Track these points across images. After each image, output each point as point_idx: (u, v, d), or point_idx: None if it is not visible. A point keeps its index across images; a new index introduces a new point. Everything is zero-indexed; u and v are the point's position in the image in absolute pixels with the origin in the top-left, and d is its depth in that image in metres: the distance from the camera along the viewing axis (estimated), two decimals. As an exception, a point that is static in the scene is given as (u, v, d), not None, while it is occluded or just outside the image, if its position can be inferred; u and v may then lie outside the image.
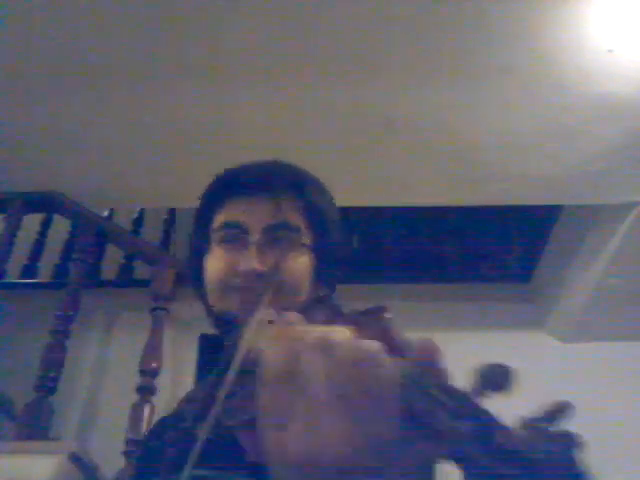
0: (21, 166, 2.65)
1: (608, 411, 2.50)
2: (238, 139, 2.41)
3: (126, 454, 2.22)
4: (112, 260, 3.34)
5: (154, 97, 2.36)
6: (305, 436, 0.35)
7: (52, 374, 2.34)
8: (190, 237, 0.93)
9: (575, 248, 2.91)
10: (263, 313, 0.56)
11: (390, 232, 3.62)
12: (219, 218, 0.87)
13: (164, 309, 2.64)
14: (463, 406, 0.32)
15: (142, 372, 2.44)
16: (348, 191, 2.55)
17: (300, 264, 0.84)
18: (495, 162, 2.53)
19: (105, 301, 3.19)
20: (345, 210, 2.57)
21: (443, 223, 3.56)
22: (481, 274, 3.37)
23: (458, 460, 0.31)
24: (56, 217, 3.24)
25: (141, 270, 3.25)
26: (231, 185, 0.88)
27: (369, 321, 0.43)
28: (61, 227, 3.37)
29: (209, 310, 0.85)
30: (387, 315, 0.44)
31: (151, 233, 3.52)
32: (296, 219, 0.86)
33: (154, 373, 2.46)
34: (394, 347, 0.37)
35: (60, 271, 3.32)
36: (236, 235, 0.85)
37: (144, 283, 2.88)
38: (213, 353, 0.76)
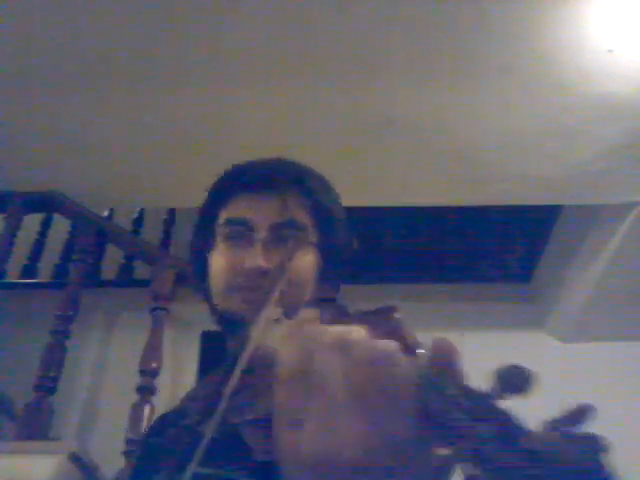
0: (21, 166, 2.65)
1: (608, 411, 2.50)
2: (238, 139, 2.40)
3: (126, 454, 2.22)
4: (112, 260, 3.34)
5: (154, 97, 2.36)
6: (321, 436, 0.35)
7: (52, 374, 2.34)
8: (193, 234, 0.92)
9: (575, 248, 2.91)
10: (270, 312, 0.55)
11: (390, 232, 3.62)
12: (224, 215, 0.86)
13: (164, 309, 2.63)
14: (481, 407, 0.32)
15: (142, 372, 2.44)
16: (348, 191, 2.53)
17: (306, 263, 0.82)
18: (495, 162, 2.53)
19: (105, 301, 3.19)
20: (345, 210, 2.56)
21: (443, 223, 3.56)
22: (481, 274, 3.37)
23: (478, 462, 0.31)
24: (56, 217, 3.24)
25: (141, 270, 3.26)
26: (238, 181, 0.87)
27: (379, 321, 0.43)
28: (61, 227, 3.37)
29: (213, 308, 0.84)
30: (397, 315, 0.44)
31: (151, 233, 3.52)
32: (303, 217, 0.85)
33: (154, 373, 2.45)
34: (406, 347, 0.37)
35: (60, 271, 3.32)
36: (242, 232, 0.83)
37: (144, 283, 2.87)
38: (216, 350, 0.76)
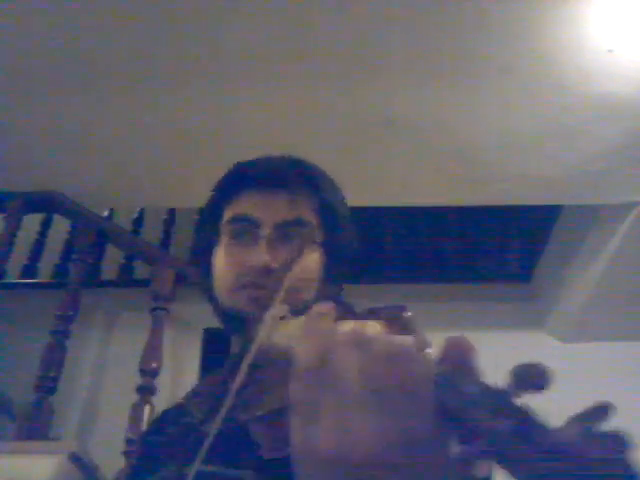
0: (21, 166, 2.65)
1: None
2: (238, 139, 2.40)
3: (126, 454, 2.22)
4: (112, 260, 3.34)
5: (154, 97, 2.36)
6: (337, 432, 0.34)
7: (52, 374, 2.34)
8: (197, 231, 0.91)
9: (575, 248, 2.91)
10: (276, 309, 0.55)
11: (390, 232, 3.62)
12: (230, 212, 0.85)
13: (164, 309, 2.63)
14: (499, 404, 0.31)
15: (142, 372, 2.44)
16: (348, 191, 2.54)
17: (312, 261, 0.82)
18: (495, 162, 2.53)
19: (105, 301, 3.19)
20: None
21: (443, 223, 3.56)
22: (481, 274, 3.37)
23: (503, 461, 0.31)
24: (56, 217, 3.24)
25: (141, 270, 3.26)
26: (245, 178, 0.86)
27: (389, 319, 0.43)
28: (61, 227, 3.37)
29: (217, 306, 0.83)
30: (406, 314, 0.43)
31: (151, 233, 3.52)
32: (309, 216, 0.84)
33: (154, 373, 2.45)
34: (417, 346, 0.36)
35: (60, 271, 3.32)
36: (247, 229, 0.82)
37: (144, 283, 2.87)
38: (218, 347, 0.75)
